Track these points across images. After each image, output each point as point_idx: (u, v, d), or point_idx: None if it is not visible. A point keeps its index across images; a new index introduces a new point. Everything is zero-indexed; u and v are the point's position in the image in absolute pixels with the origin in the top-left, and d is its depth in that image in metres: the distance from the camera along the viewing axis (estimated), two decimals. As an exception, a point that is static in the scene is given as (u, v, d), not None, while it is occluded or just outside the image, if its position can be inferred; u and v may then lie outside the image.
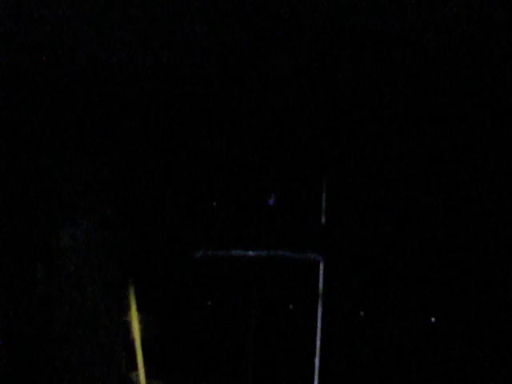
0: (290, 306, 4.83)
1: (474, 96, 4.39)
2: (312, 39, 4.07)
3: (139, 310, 4.69)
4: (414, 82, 4.44)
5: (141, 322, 4.68)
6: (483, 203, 4.57)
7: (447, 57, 3.94)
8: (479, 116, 4.53)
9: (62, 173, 4.43)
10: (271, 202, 4.78)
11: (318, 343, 4.71)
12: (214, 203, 5.01)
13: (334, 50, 4.20)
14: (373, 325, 4.69)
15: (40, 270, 4.39)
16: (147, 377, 4.65)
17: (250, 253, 4.85)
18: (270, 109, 4.84)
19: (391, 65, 4.33)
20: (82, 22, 3.55)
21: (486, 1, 3.19)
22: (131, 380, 4.65)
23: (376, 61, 4.26)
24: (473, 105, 4.49)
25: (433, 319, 4.59)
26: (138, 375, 4.63)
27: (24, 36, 3.71)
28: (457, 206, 4.59)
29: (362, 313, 4.72)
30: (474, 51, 3.81)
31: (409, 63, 4.29)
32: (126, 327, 4.64)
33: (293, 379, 4.76)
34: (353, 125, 4.78)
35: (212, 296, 4.92)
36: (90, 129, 4.69)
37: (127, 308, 4.66)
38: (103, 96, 4.48)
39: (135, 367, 4.63)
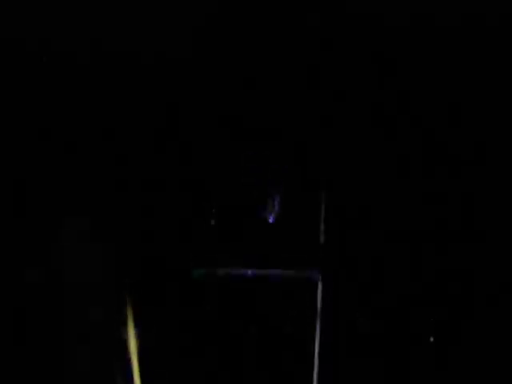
0: (289, 325, 4.80)
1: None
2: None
3: (136, 325, 4.62)
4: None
5: (138, 337, 4.60)
6: (484, 229, 4.63)
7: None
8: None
9: (62, 179, 4.39)
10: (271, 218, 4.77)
11: (317, 362, 4.67)
12: (213, 221, 4.99)
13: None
14: (371, 344, 4.67)
15: (38, 275, 4.32)
16: (143, 393, 4.56)
17: (249, 271, 4.83)
18: (269, 126, 4.88)
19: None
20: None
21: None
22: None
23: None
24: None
25: (432, 339, 4.59)
26: (133, 391, 4.54)
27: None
28: (460, 225, 4.64)
29: (361, 332, 4.70)
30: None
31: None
32: (123, 342, 4.56)
33: (290, 399, 4.71)
34: (351, 143, 4.83)
35: (209, 314, 4.86)
36: (90, 139, 4.67)
37: (124, 323, 4.59)
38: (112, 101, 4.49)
39: (132, 382, 4.54)
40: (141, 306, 4.70)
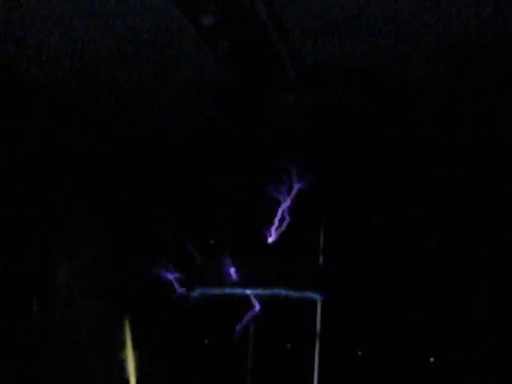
0: (288, 345, 4.79)
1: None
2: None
3: (135, 347, 4.60)
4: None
5: (136, 359, 4.59)
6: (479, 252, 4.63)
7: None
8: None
9: (59, 212, 4.38)
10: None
11: (316, 380, 4.66)
12: (212, 241, 4.99)
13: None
14: (371, 365, 4.66)
15: (35, 306, 4.31)
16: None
17: (248, 291, 4.80)
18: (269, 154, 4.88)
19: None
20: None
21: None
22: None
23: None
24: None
25: (432, 359, 4.57)
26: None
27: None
28: (455, 247, 4.64)
29: (359, 353, 4.69)
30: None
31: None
32: (122, 364, 4.54)
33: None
34: (349, 168, 4.85)
35: (208, 334, 4.86)
36: (86, 170, 4.67)
37: (123, 345, 4.57)
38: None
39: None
40: (140, 327, 4.69)
